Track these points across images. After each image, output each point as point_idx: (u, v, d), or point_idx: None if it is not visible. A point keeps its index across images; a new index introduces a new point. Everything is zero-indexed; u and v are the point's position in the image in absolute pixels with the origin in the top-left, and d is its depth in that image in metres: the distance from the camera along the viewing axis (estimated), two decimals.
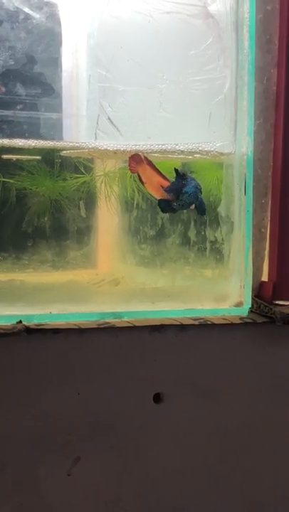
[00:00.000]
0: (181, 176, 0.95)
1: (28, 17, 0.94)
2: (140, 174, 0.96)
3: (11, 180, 0.95)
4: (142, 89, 0.98)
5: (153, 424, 0.99)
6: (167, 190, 0.95)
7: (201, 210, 0.97)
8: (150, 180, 0.96)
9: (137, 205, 1.02)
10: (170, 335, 0.98)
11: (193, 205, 0.96)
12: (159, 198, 0.96)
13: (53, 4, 0.95)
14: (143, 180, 0.97)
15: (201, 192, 0.97)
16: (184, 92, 1.00)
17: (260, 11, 1.01)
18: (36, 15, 0.94)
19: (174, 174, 0.95)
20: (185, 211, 1.01)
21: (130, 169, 0.96)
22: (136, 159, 0.96)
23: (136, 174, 0.97)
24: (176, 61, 0.99)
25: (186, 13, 0.98)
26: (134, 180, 1.00)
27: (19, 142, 0.94)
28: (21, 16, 0.94)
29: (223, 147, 1.02)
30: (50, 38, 0.96)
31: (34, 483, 0.95)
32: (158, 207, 0.97)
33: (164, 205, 0.96)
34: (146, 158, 0.96)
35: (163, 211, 0.98)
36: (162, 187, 0.95)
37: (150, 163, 0.96)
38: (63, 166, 0.97)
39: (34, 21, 0.94)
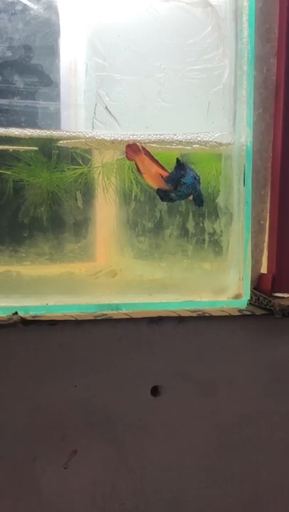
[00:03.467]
0: (181, 166, 0.95)
1: (26, 8, 0.94)
2: (138, 164, 0.96)
3: (8, 172, 0.95)
4: (140, 79, 0.98)
5: (150, 417, 0.98)
6: (166, 180, 0.95)
7: (198, 201, 0.97)
8: (148, 171, 0.96)
9: (135, 196, 1.01)
10: (168, 327, 0.98)
11: (191, 196, 0.96)
12: (156, 187, 0.96)
13: None
14: (141, 170, 0.96)
15: (199, 183, 0.97)
16: (183, 82, 0.99)
17: (260, 0, 1.00)
18: (34, 5, 0.94)
19: (172, 165, 0.95)
20: (183, 202, 1.01)
21: (127, 157, 0.96)
22: (133, 148, 0.95)
23: (134, 165, 0.97)
24: (174, 50, 0.98)
25: (185, 1, 0.98)
26: (132, 172, 0.99)
27: (15, 131, 0.94)
28: (19, 7, 0.93)
29: (222, 137, 1.01)
30: (48, 28, 0.95)
31: (31, 477, 0.95)
32: (156, 197, 0.97)
33: (162, 195, 0.96)
34: (143, 148, 0.96)
35: (162, 200, 0.97)
36: (161, 176, 0.95)
37: (148, 153, 0.95)
38: (61, 157, 0.97)
39: (32, 12, 0.94)
